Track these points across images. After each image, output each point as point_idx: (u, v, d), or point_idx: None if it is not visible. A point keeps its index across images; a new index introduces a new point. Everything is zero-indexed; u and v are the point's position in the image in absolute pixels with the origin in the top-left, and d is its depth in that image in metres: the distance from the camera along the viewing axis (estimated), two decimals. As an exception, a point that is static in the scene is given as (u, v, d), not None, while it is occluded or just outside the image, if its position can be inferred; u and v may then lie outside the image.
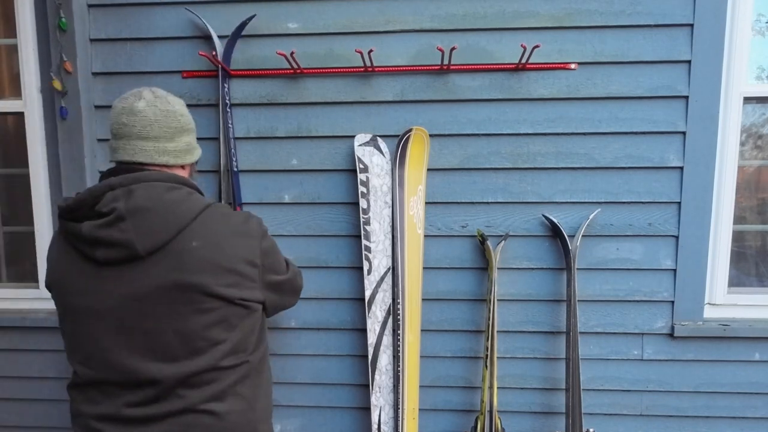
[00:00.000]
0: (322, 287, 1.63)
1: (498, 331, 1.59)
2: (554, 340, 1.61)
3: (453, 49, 1.43)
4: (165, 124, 0.93)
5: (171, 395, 0.88)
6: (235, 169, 1.58)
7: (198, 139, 1.61)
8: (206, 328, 0.88)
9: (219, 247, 0.89)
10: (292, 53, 1.45)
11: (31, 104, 1.63)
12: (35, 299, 1.73)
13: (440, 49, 1.41)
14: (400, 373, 1.52)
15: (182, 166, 1.00)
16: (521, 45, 1.42)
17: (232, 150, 1.56)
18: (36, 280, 1.72)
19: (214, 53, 1.50)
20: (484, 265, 1.60)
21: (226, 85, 1.55)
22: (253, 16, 1.51)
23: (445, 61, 1.49)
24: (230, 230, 0.93)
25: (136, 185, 0.86)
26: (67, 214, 0.88)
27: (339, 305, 1.64)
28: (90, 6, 1.57)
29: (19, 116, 1.66)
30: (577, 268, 1.55)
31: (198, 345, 0.88)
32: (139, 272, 0.85)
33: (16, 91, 1.66)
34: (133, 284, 0.85)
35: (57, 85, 1.54)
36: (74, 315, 0.90)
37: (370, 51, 1.43)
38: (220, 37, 1.54)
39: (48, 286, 0.95)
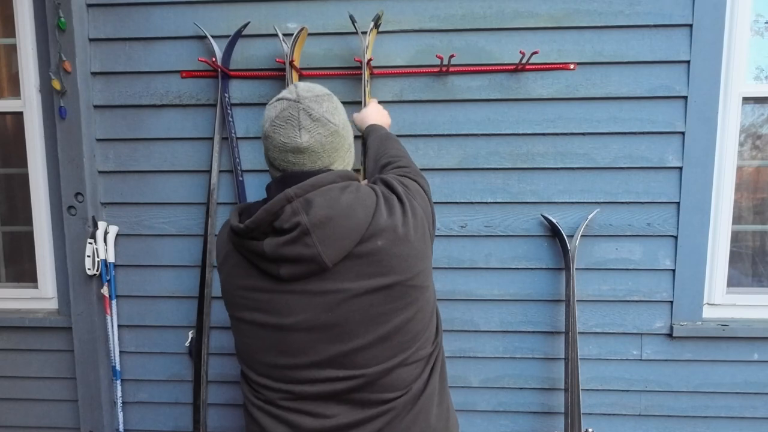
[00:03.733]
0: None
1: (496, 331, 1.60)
2: (553, 340, 1.61)
3: (452, 56, 1.44)
4: (331, 147, 0.86)
5: (373, 402, 0.85)
6: (240, 169, 1.58)
7: (198, 139, 1.63)
8: (406, 323, 0.84)
9: (402, 238, 0.84)
10: (291, 60, 1.44)
11: (30, 104, 1.63)
12: (34, 299, 1.73)
13: (439, 57, 1.42)
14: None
15: None
16: (520, 51, 1.43)
17: (236, 150, 1.56)
18: (35, 280, 1.72)
19: (213, 59, 1.50)
20: (482, 265, 1.60)
21: (226, 89, 1.55)
22: (248, 24, 1.52)
23: (445, 62, 1.49)
24: (402, 215, 0.86)
25: (313, 193, 0.80)
26: (246, 234, 0.83)
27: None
28: (89, 6, 1.57)
29: (18, 116, 1.66)
30: (576, 268, 1.55)
31: (399, 343, 0.84)
32: (328, 283, 0.81)
33: (15, 91, 1.66)
34: (322, 297, 0.81)
35: (56, 84, 1.53)
36: (258, 331, 0.86)
37: (370, 60, 1.43)
38: (219, 36, 1.54)
39: (224, 298, 0.92)
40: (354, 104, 1.56)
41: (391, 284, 0.82)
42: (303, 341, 0.83)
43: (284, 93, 0.87)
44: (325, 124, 0.85)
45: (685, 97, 1.50)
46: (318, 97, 0.86)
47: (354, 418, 0.85)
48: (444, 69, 1.51)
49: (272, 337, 0.84)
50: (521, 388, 1.64)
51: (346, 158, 0.92)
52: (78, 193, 1.60)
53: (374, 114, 1.33)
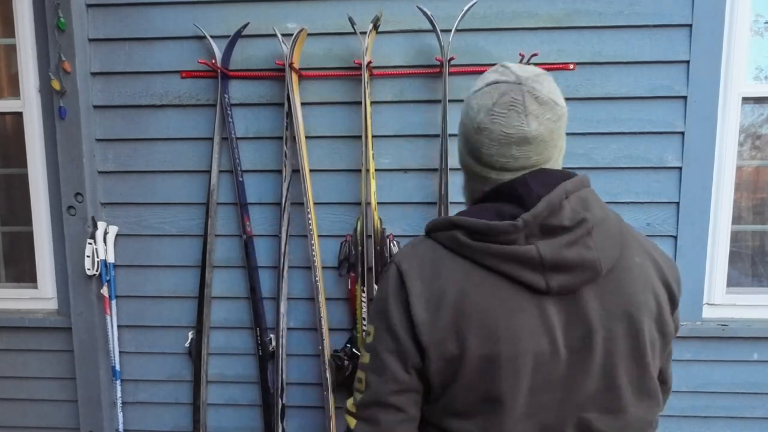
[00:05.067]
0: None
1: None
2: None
3: (451, 59, 1.44)
4: (558, 135, 0.70)
5: None
6: (240, 169, 1.58)
7: (198, 139, 1.63)
8: (653, 362, 0.69)
9: (654, 259, 0.71)
10: (291, 63, 1.44)
11: (29, 104, 1.63)
12: (34, 299, 1.72)
13: (439, 59, 1.42)
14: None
15: None
16: (519, 54, 1.43)
17: (236, 150, 1.56)
18: (35, 280, 1.72)
19: (213, 59, 1.50)
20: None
21: (226, 89, 1.55)
22: (247, 24, 1.52)
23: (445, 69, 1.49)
24: (641, 235, 0.75)
25: (584, 190, 0.67)
26: (505, 235, 0.64)
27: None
28: (88, 6, 1.57)
29: (18, 116, 1.66)
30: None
31: (647, 389, 0.70)
32: (589, 299, 0.65)
33: (15, 91, 1.66)
34: (583, 316, 0.65)
35: (56, 84, 1.53)
36: (491, 364, 0.65)
37: (369, 62, 1.43)
38: (219, 37, 1.54)
39: (445, 334, 0.66)
40: (354, 105, 1.56)
41: (649, 309, 0.67)
42: (564, 373, 0.66)
43: (496, 75, 0.70)
44: (553, 108, 0.68)
45: (685, 97, 1.50)
46: (538, 76, 0.69)
47: None
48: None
49: (519, 371, 0.65)
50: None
51: (564, 147, 0.75)
52: (78, 193, 1.60)
53: None
